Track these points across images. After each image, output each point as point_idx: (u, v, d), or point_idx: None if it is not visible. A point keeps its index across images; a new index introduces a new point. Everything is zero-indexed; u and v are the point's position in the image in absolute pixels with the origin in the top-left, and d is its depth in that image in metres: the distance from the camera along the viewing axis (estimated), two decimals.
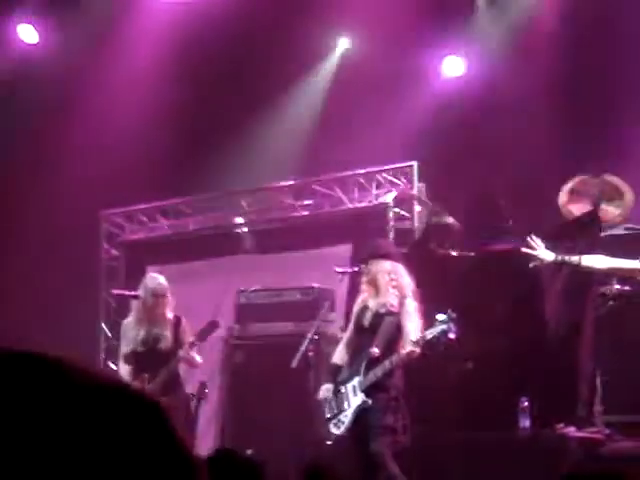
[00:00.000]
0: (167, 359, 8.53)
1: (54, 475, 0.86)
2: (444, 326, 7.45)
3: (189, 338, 8.61)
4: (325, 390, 7.83)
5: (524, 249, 7.84)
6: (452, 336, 7.48)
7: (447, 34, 10.80)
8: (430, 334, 7.47)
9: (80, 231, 11.37)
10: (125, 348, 8.77)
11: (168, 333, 8.62)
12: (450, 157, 10.42)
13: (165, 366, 8.51)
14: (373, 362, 7.58)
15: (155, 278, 8.89)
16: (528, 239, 7.90)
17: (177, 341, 8.59)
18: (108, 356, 10.33)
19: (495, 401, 8.63)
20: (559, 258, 7.78)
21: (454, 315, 7.53)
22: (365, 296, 7.92)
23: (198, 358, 8.62)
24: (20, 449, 0.86)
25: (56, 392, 0.89)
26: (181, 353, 8.45)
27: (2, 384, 0.89)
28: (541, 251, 7.74)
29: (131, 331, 8.73)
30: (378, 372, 7.49)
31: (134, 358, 8.70)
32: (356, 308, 7.99)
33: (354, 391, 7.59)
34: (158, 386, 8.45)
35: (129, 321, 8.83)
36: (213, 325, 8.65)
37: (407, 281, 7.82)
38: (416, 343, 7.42)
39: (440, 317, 7.53)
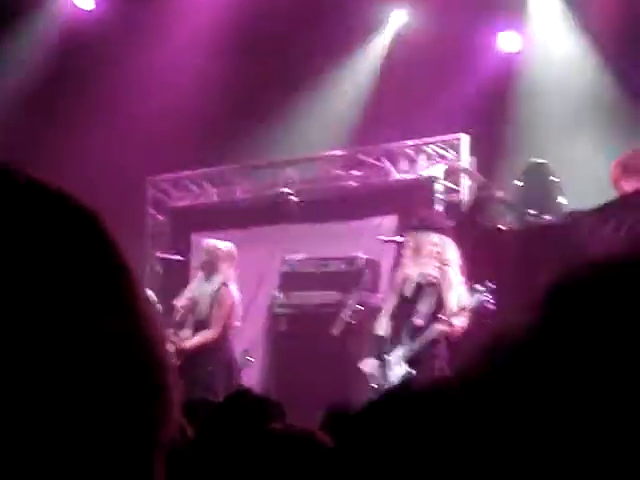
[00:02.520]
0: (205, 323, 8.62)
1: None
2: (481, 296, 7.39)
3: (227, 305, 8.69)
4: (370, 364, 7.79)
5: None
6: (490, 306, 7.39)
7: (505, 9, 10.65)
8: (469, 305, 7.42)
9: (127, 196, 11.39)
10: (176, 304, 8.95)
11: (207, 299, 8.70)
12: (501, 131, 10.31)
13: (202, 330, 8.61)
14: (416, 333, 7.54)
15: (211, 242, 9.05)
16: None
17: (211, 309, 8.67)
18: None
19: None
20: None
21: (492, 285, 7.46)
22: (406, 266, 7.88)
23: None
24: None
25: None
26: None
27: None
28: None
29: (185, 291, 8.91)
30: (422, 342, 7.45)
31: (179, 317, 8.85)
32: (398, 279, 7.94)
33: (398, 362, 7.54)
34: (192, 348, 8.57)
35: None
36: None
37: (453, 255, 7.77)
38: (455, 315, 7.39)
39: (477, 287, 7.48)
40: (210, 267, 8.82)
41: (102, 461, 0.84)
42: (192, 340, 8.64)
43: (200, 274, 8.95)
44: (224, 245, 9.04)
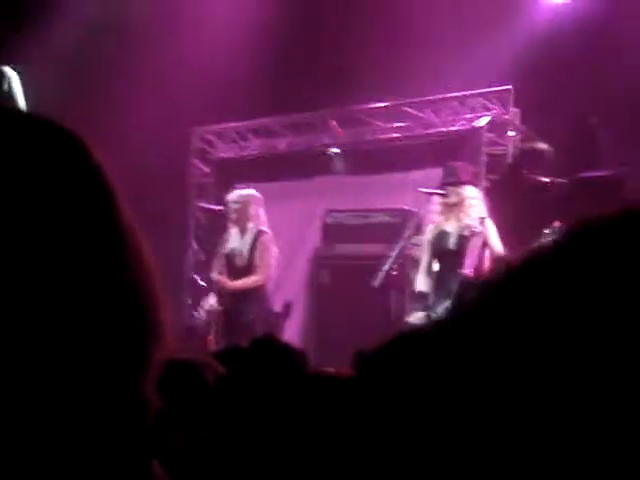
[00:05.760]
0: (247, 269, 8.66)
1: None
2: (551, 238, 7.20)
3: (271, 250, 8.71)
4: (416, 317, 7.80)
5: None
6: None
7: None
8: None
9: (172, 147, 11.43)
10: (216, 261, 8.98)
11: (246, 246, 8.71)
12: (547, 83, 10.17)
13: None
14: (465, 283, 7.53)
15: (236, 191, 9.06)
16: None
17: (252, 255, 8.67)
18: (195, 270, 10.43)
19: None
20: None
21: (563, 227, 7.26)
22: (440, 220, 7.90)
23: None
24: None
25: None
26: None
27: None
28: None
29: (223, 243, 8.94)
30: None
31: (219, 269, 8.89)
32: (430, 235, 7.94)
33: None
34: (237, 290, 8.60)
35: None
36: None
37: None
38: None
39: (547, 230, 7.28)
40: (243, 215, 8.80)
41: (90, 371, 0.87)
42: (238, 282, 8.65)
43: (234, 229, 8.90)
44: (248, 191, 9.06)
